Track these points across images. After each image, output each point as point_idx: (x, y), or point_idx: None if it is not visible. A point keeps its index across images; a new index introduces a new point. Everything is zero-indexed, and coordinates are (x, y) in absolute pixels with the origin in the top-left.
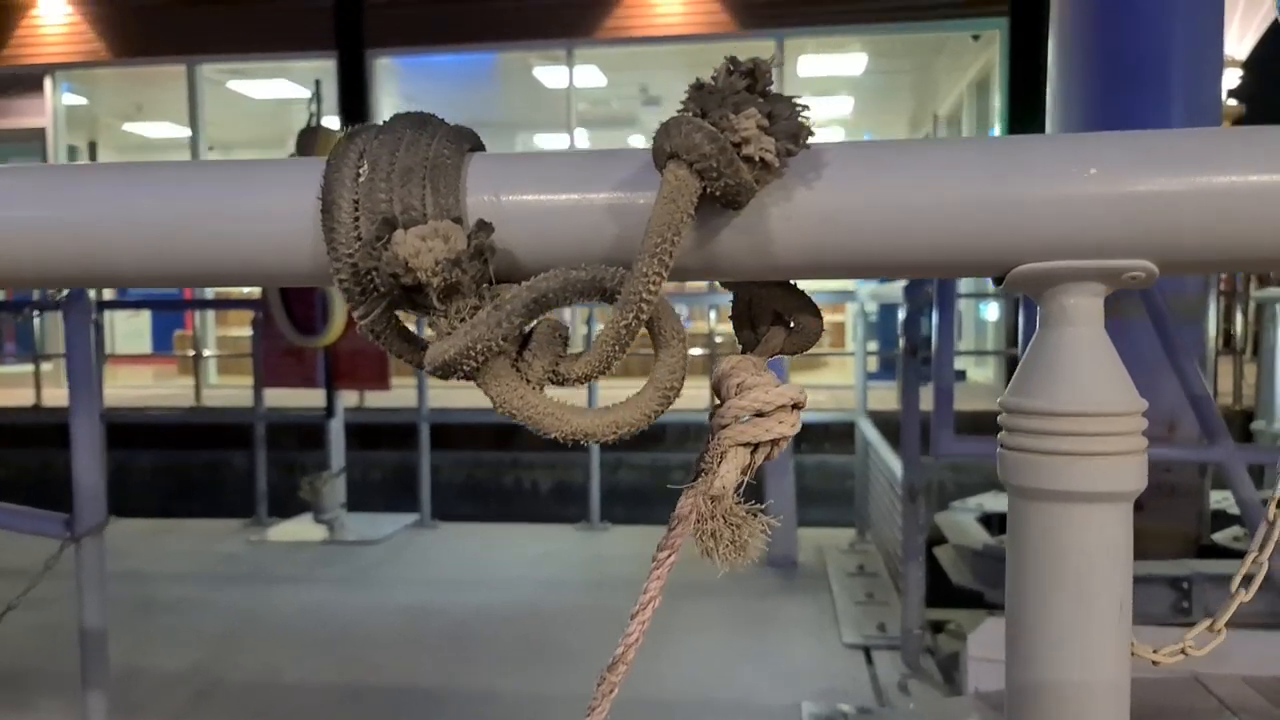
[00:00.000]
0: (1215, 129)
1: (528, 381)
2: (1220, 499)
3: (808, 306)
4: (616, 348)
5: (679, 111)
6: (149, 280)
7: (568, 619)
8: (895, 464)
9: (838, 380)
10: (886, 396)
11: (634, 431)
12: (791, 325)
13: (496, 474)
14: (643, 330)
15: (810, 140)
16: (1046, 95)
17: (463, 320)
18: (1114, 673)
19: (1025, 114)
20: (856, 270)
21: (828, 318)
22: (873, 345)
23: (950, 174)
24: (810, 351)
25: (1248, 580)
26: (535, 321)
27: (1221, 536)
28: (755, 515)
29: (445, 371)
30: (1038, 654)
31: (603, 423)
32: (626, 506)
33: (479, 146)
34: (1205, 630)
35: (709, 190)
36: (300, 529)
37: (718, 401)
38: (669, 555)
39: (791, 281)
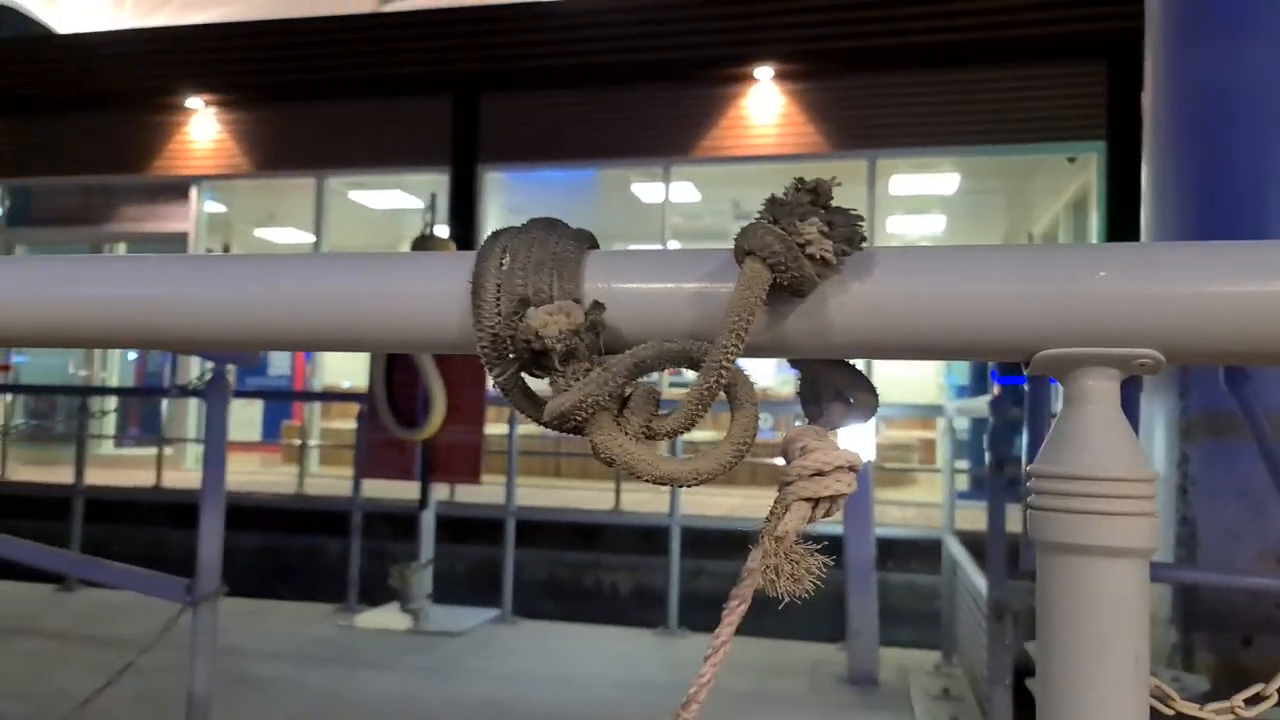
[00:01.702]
0: (1214, 243)
1: (626, 434)
2: None
3: (864, 384)
4: (699, 408)
5: (756, 219)
6: (328, 346)
7: None
8: (982, 583)
9: (928, 498)
10: (978, 516)
11: (712, 479)
12: (851, 401)
13: (577, 574)
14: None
15: (864, 245)
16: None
17: (577, 380)
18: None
19: (1124, 237)
20: (902, 352)
21: (917, 434)
22: (964, 464)
23: (981, 273)
24: (900, 467)
25: None
26: (634, 386)
27: None
28: (813, 555)
29: (560, 422)
30: (1062, 701)
31: (685, 470)
32: (705, 613)
33: (595, 245)
34: (1258, 693)
35: (778, 280)
36: (386, 617)
37: (785, 464)
38: (739, 604)
39: (850, 362)
